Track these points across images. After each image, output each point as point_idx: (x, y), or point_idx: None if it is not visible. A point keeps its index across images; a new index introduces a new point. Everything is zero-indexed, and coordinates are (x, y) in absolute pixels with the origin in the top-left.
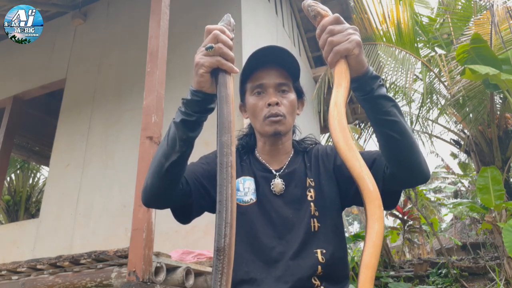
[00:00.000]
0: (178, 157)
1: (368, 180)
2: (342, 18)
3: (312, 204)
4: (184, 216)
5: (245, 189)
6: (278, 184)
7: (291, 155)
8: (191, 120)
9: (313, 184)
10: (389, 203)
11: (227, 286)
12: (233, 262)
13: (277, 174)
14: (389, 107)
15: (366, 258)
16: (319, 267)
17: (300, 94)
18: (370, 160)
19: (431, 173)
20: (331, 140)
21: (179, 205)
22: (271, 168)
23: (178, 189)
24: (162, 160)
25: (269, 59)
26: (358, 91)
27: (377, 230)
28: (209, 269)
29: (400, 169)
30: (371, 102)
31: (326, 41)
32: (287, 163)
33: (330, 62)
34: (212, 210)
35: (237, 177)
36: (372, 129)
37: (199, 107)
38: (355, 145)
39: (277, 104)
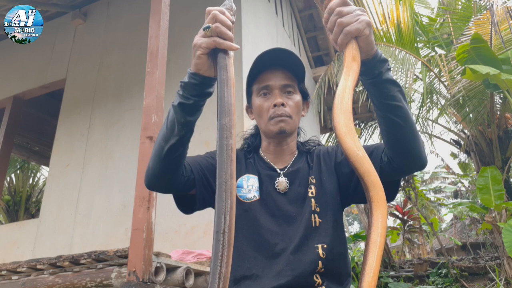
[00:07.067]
0: (177, 140)
1: (367, 163)
2: (349, 1)
3: (313, 200)
4: (186, 205)
5: (249, 186)
6: (282, 182)
7: (296, 155)
8: (188, 103)
9: (314, 181)
10: (388, 194)
11: (227, 268)
12: (233, 247)
13: (282, 172)
14: (395, 92)
15: (374, 236)
16: (320, 262)
17: (305, 95)
18: (368, 151)
19: (428, 160)
20: (331, 139)
21: (182, 193)
22: (275, 167)
23: (180, 174)
24: (162, 143)
25: (275, 61)
26: (366, 74)
27: (382, 213)
28: (209, 269)
29: (400, 155)
30: (378, 86)
31: (335, 23)
32: (291, 162)
33: (340, 43)
34: (214, 205)
35: (241, 174)
36: (375, 114)
37: (196, 90)
38: (355, 130)
39: (282, 105)
